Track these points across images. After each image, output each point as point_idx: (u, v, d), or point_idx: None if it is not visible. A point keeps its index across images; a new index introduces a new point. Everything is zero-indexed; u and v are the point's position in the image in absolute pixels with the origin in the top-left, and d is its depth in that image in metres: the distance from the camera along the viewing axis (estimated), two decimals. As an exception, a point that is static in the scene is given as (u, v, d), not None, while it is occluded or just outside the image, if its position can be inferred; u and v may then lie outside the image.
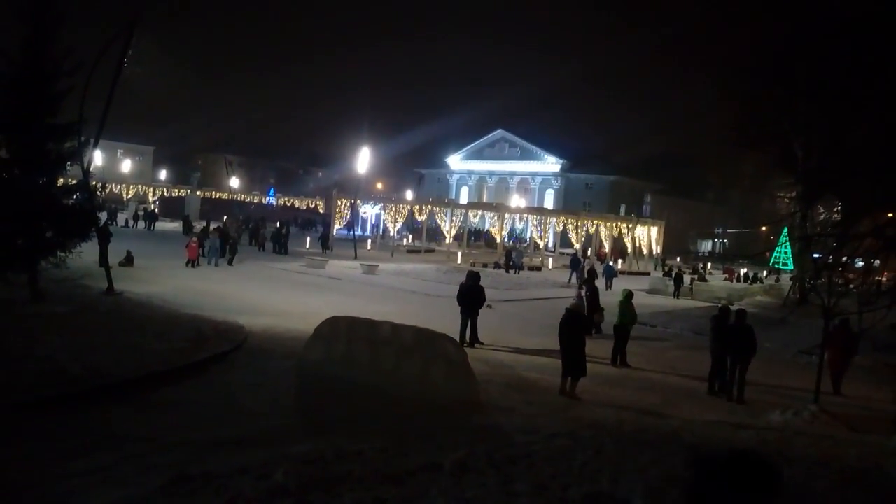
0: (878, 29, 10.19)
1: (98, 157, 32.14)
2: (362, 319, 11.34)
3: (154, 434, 7.08)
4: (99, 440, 6.90)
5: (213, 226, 32.56)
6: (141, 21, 16.49)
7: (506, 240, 44.82)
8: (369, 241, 42.49)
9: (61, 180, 15.43)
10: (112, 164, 67.34)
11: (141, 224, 40.92)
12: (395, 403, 8.96)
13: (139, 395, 8.66)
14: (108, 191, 49.62)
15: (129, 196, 65.14)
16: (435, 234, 45.34)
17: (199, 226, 35.49)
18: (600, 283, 26.01)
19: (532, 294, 24.22)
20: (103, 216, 24.41)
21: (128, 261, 22.32)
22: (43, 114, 13.82)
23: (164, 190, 68.63)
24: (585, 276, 21.73)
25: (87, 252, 15.79)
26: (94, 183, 15.58)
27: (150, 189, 68.48)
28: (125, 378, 8.98)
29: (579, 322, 10.89)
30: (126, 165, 71.34)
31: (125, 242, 25.01)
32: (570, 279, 29.03)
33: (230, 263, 26.08)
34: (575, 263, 30.22)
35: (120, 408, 8.09)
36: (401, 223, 42.93)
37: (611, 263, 33.63)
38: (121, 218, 39.58)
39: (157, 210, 49.15)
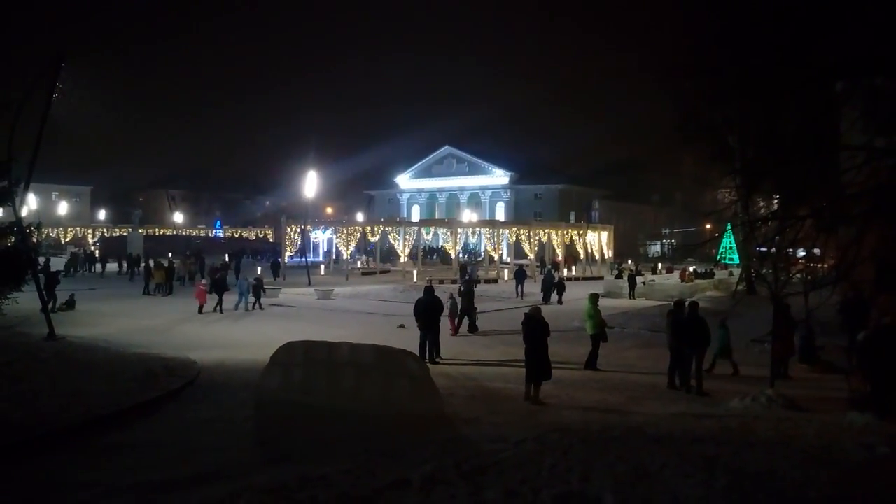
0: (799, 19, 10.62)
1: (32, 201, 30.78)
2: (319, 342, 11.12)
3: (104, 479, 6.70)
4: (45, 490, 6.52)
5: (152, 263, 30.71)
6: (67, 57, 16.01)
7: (460, 255, 44.79)
8: (323, 266, 41.89)
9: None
10: (47, 207, 64.69)
11: (84, 268, 39.36)
12: (358, 424, 8.77)
13: (87, 440, 8.24)
14: (45, 235, 47.20)
15: (68, 239, 62.77)
16: (389, 254, 45.05)
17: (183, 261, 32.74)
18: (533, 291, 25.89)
19: (489, 306, 24.20)
20: (42, 260, 23.29)
21: (69, 305, 21.44)
22: (-33, 155, 13.21)
23: (105, 230, 66.36)
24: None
25: (24, 298, 15.08)
26: (27, 225, 14.92)
27: (90, 230, 66.13)
28: (71, 424, 8.55)
29: (539, 325, 10.92)
30: (63, 208, 68.63)
31: (66, 284, 24.05)
32: (518, 292, 29.07)
33: (261, 307, 23.22)
34: (520, 275, 30.26)
35: (67, 455, 7.69)
36: (353, 246, 42.51)
37: (553, 272, 32.36)
38: (58, 263, 37.65)
39: (96, 251, 47.40)
